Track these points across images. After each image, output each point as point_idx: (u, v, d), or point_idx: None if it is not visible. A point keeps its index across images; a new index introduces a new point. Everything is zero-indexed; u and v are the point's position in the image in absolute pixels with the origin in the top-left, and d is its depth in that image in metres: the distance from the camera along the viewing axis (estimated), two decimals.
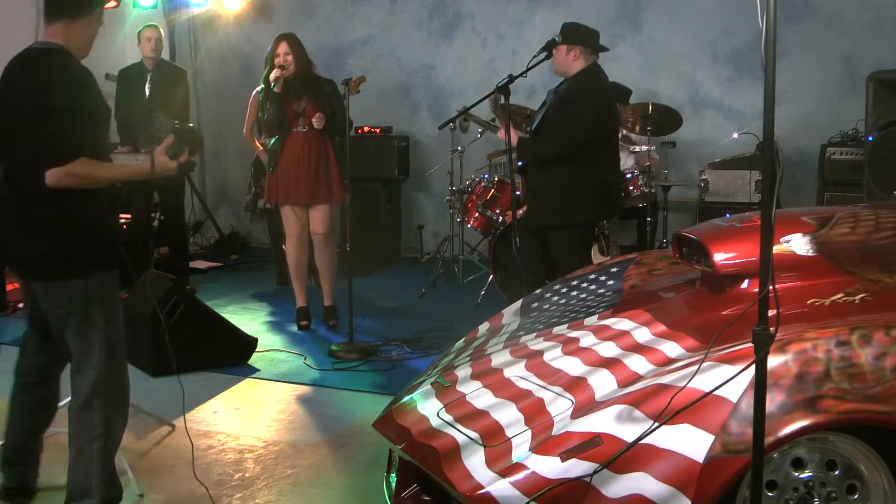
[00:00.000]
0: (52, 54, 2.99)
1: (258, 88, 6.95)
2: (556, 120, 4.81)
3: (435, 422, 2.80)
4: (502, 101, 4.83)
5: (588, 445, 2.42)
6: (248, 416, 4.46)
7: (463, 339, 3.70)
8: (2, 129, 3.03)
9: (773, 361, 2.38)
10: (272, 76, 5.57)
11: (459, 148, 7.34)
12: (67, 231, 2.98)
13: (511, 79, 4.74)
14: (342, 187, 5.74)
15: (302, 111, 5.66)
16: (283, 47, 5.62)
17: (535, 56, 4.79)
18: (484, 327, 3.75)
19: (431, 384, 3.08)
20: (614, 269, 3.84)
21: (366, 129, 7.98)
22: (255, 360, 5.28)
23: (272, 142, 5.78)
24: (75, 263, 2.97)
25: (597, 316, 3.24)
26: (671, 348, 2.76)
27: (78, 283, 2.97)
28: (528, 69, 4.75)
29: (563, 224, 4.81)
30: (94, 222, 3.04)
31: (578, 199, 4.78)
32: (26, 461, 3.29)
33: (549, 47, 4.78)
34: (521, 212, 5.51)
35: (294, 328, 5.93)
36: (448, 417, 2.79)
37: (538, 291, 3.94)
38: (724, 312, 2.94)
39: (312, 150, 5.68)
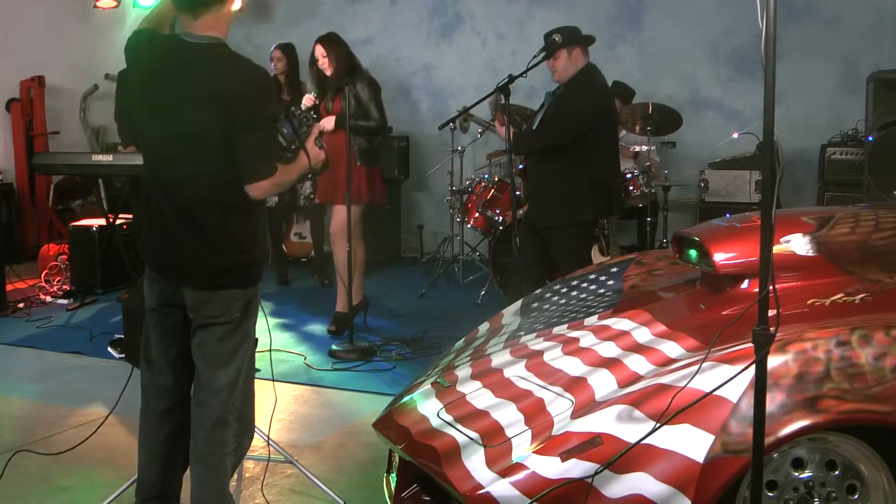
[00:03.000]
0: (232, 52, 2.79)
1: None
2: (553, 117, 4.82)
3: (435, 422, 2.80)
4: (503, 100, 4.84)
5: (588, 445, 2.42)
6: None
7: (463, 339, 3.69)
8: (183, 132, 2.75)
9: (773, 361, 2.38)
10: (306, 104, 5.42)
11: (459, 148, 7.35)
12: (242, 241, 2.83)
13: (511, 79, 4.75)
14: (360, 189, 5.54)
15: (331, 111, 5.62)
16: (318, 50, 5.61)
17: (534, 56, 4.80)
18: (484, 327, 3.75)
19: (431, 384, 3.08)
20: (614, 269, 3.84)
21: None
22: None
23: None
24: (242, 273, 2.84)
25: (597, 316, 3.24)
26: (671, 348, 2.76)
27: (239, 292, 2.82)
28: (527, 69, 4.76)
29: (563, 223, 4.81)
30: (260, 232, 2.93)
31: (579, 198, 4.78)
32: (168, 495, 3.03)
33: (550, 48, 4.78)
34: (521, 212, 5.52)
35: (294, 328, 5.93)
36: (448, 417, 2.78)
37: (538, 291, 3.94)
38: (724, 312, 2.94)
39: (333, 150, 5.35)
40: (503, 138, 4.95)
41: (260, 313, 2.99)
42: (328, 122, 5.51)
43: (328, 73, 5.61)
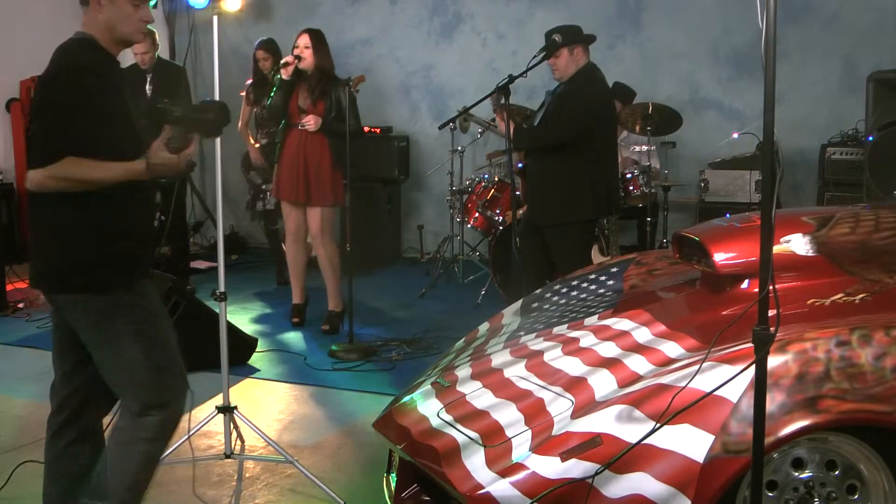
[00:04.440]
0: (69, 44, 2.73)
1: (249, 81, 7.01)
2: (554, 115, 4.82)
3: (435, 422, 2.80)
4: (503, 100, 4.84)
5: (588, 445, 2.42)
6: (248, 416, 4.46)
7: (463, 339, 3.70)
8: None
9: (773, 361, 2.38)
10: (282, 60, 5.57)
11: (459, 148, 7.35)
12: (76, 240, 2.66)
13: (511, 79, 4.75)
14: (338, 191, 5.65)
15: (307, 108, 5.62)
16: (303, 39, 5.62)
17: (534, 56, 4.80)
18: (484, 327, 3.75)
19: (431, 384, 3.08)
20: (614, 269, 3.84)
21: (366, 129, 7.96)
22: (255, 360, 5.28)
23: (279, 134, 5.82)
24: (88, 276, 2.67)
25: (597, 316, 3.24)
26: (671, 348, 2.76)
27: (94, 297, 2.69)
28: (527, 69, 4.75)
29: (563, 222, 4.81)
30: (108, 230, 2.70)
31: (578, 197, 4.79)
32: None
33: (550, 48, 4.78)
34: (521, 212, 5.52)
35: (293, 328, 5.93)
36: (448, 417, 2.79)
37: (538, 291, 3.94)
38: (724, 312, 2.94)
39: (308, 149, 5.62)
40: (504, 134, 4.96)
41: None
42: (315, 123, 5.55)
43: (305, 64, 5.57)
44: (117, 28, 2.73)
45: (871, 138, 5.83)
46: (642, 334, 2.91)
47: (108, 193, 2.66)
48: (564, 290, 3.80)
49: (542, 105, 5.04)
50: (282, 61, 5.58)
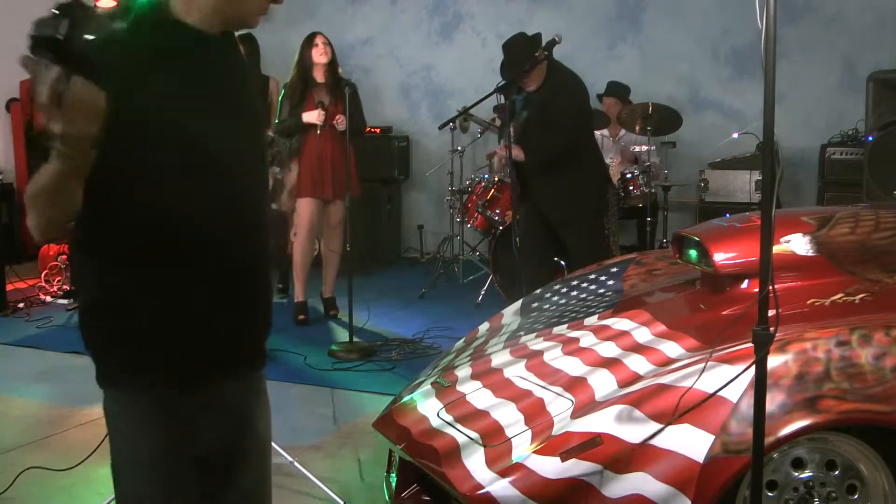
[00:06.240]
0: None
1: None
2: (548, 121, 4.83)
3: (435, 422, 2.80)
4: (504, 100, 4.86)
5: (588, 445, 2.42)
6: None
7: (463, 339, 3.70)
8: None
9: (773, 361, 2.38)
10: (316, 118, 5.71)
11: (459, 148, 7.35)
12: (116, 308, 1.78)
13: (511, 79, 4.75)
14: (359, 182, 5.90)
15: (329, 108, 5.79)
16: (321, 38, 5.81)
17: (535, 56, 4.79)
18: (484, 327, 3.75)
19: (431, 384, 3.08)
20: (614, 269, 3.85)
21: (366, 129, 7.98)
22: None
23: (294, 138, 5.92)
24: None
25: (597, 316, 3.24)
26: (671, 348, 2.76)
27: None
28: (526, 70, 4.75)
29: (573, 214, 4.87)
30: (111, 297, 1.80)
31: (581, 188, 4.86)
32: None
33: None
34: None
35: (293, 329, 5.93)
36: (448, 417, 2.78)
37: (538, 291, 3.94)
38: (724, 312, 2.94)
39: (335, 147, 5.82)
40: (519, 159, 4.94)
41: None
42: (341, 124, 5.68)
43: (324, 60, 5.76)
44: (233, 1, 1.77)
45: (871, 138, 5.83)
46: (642, 334, 2.91)
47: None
48: (564, 290, 3.80)
49: (514, 113, 4.98)
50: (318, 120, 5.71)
